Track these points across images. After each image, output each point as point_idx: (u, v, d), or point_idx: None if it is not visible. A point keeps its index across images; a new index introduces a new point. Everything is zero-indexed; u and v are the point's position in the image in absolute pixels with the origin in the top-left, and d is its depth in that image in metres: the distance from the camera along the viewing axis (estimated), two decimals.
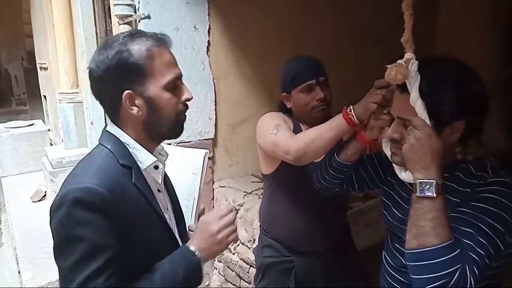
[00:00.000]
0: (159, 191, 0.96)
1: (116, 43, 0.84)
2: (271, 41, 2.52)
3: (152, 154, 0.92)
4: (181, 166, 1.17)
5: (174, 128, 0.91)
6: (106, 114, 0.93)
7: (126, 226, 0.81)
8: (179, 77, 0.90)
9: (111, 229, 0.78)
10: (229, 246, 2.25)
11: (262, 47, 2.50)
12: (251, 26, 2.46)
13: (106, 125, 0.94)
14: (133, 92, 0.85)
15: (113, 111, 0.89)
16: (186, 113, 0.93)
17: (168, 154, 1.01)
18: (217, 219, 0.91)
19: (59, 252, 0.79)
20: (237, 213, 2.27)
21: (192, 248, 0.89)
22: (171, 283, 0.83)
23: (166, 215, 0.95)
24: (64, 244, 0.78)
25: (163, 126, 0.89)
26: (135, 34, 0.87)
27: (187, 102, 0.92)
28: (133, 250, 0.82)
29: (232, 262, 2.28)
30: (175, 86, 0.89)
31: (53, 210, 0.80)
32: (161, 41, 0.88)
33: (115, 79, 0.84)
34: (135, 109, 0.86)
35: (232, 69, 2.46)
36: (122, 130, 0.90)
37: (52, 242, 0.81)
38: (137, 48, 0.84)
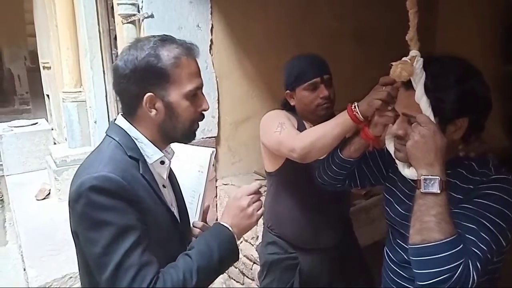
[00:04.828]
0: (164, 186, 0.98)
1: (147, 46, 0.87)
2: (274, 39, 2.52)
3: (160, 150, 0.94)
4: (187, 163, 1.19)
5: (188, 135, 0.95)
6: (119, 110, 0.95)
7: (142, 211, 0.83)
8: (200, 87, 0.93)
9: (132, 211, 0.80)
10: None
11: (265, 45, 2.51)
12: (254, 24, 2.47)
13: (115, 118, 0.96)
14: (154, 95, 0.87)
15: (131, 109, 0.91)
16: (199, 122, 0.96)
17: (174, 152, 1.03)
18: (245, 194, 0.95)
19: (86, 241, 0.81)
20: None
21: (224, 224, 0.92)
22: (208, 259, 0.85)
23: None
24: (90, 232, 0.79)
25: (177, 131, 0.93)
26: (166, 40, 0.89)
27: (203, 112, 0.95)
28: (149, 235, 0.84)
29: None
30: (195, 95, 0.91)
31: (72, 202, 0.81)
32: (189, 50, 0.91)
33: (140, 80, 0.87)
34: (153, 112, 0.89)
35: (235, 67, 2.47)
36: (133, 125, 0.92)
37: (69, 235, 0.84)
38: (166, 54, 0.87)
